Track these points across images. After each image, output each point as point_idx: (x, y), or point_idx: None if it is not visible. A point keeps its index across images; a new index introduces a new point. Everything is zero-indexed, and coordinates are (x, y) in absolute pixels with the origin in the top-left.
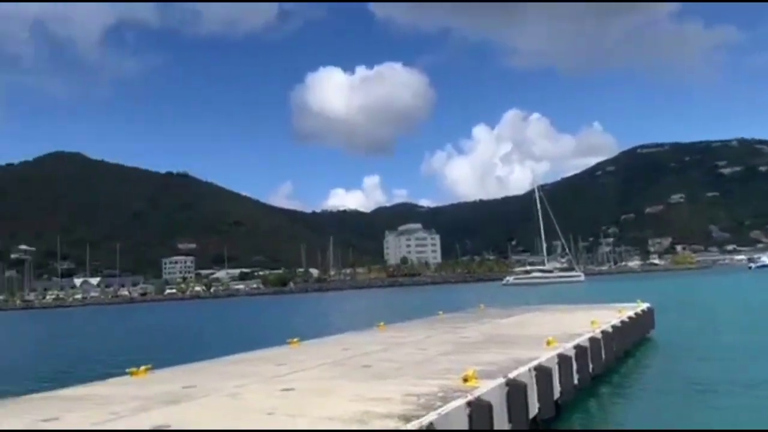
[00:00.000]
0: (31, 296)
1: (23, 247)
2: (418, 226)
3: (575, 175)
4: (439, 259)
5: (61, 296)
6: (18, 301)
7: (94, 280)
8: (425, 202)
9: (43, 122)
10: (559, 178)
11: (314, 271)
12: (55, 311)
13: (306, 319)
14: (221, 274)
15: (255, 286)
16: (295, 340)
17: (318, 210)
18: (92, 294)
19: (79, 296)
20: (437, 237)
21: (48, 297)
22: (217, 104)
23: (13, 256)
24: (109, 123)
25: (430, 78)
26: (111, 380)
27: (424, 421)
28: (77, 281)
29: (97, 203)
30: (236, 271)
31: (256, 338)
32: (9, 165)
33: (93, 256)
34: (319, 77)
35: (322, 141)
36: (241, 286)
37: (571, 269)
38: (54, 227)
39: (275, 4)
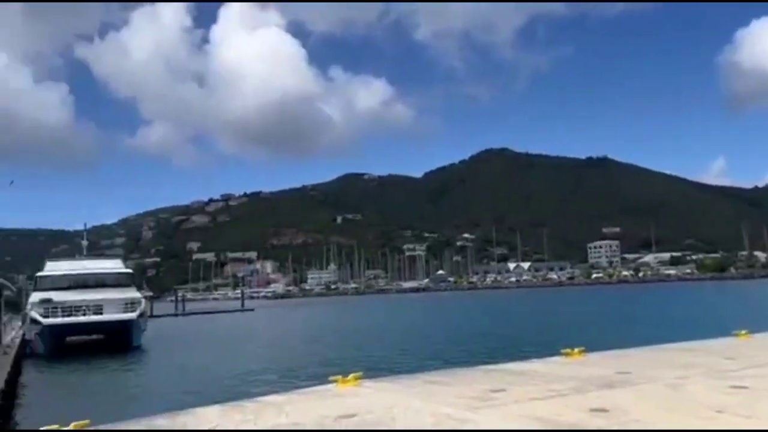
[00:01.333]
0: (474, 278)
1: (465, 235)
2: None
3: None
4: None
5: (498, 279)
6: (464, 282)
7: (525, 265)
8: None
9: (474, 124)
10: None
11: (761, 255)
12: (495, 292)
13: (754, 309)
14: (649, 258)
15: (688, 271)
16: (744, 332)
17: (761, 185)
18: (524, 277)
19: (513, 279)
20: None
21: (488, 279)
22: (631, 83)
23: (458, 243)
24: (528, 117)
25: None
26: (547, 359)
27: None
28: (511, 265)
29: (524, 193)
30: (665, 255)
31: (692, 327)
32: (451, 165)
33: (523, 242)
34: (753, 31)
35: (760, 104)
36: (672, 271)
37: None
38: (488, 217)
39: None
